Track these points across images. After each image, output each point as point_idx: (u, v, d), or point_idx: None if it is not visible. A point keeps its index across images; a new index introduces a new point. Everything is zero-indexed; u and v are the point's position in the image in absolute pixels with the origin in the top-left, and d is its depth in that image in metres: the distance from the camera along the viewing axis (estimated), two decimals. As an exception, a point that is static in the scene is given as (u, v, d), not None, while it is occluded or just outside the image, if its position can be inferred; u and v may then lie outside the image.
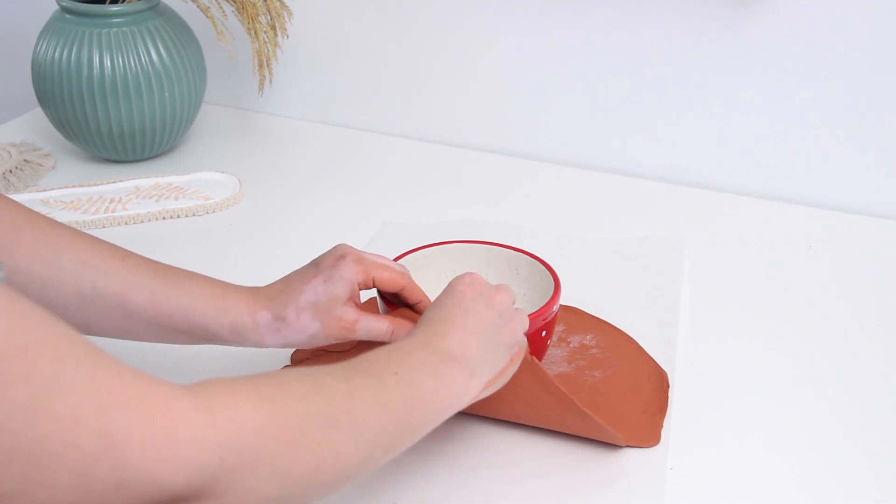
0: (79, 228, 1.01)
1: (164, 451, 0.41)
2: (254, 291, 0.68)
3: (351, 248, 0.69)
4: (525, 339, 0.66)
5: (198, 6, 1.15)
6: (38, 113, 1.31)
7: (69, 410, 0.38)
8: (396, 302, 0.71)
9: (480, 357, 0.60)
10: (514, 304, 0.67)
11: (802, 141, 1.13)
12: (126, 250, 0.67)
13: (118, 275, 0.65)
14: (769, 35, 1.09)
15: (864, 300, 0.94)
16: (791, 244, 1.04)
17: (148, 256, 0.69)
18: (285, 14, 1.16)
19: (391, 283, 0.68)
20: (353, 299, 0.68)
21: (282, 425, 0.46)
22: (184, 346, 0.71)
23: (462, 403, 0.59)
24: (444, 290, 0.64)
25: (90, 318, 0.65)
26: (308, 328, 0.67)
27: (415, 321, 0.67)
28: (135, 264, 0.66)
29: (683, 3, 1.11)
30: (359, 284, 0.67)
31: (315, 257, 0.70)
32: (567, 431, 0.72)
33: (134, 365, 0.43)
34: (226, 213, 1.08)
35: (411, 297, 0.69)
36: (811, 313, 0.91)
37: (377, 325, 0.67)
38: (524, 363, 0.67)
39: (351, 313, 0.67)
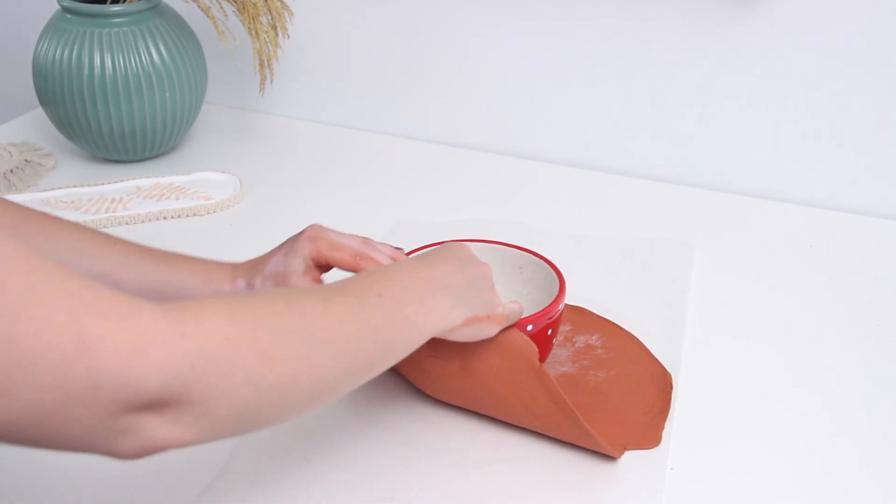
0: (80, 228, 1.02)
1: (135, 356, 0.43)
2: (234, 264, 0.75)
3: (317, 227, 0.73)
4: (509, 308, 0.69)
5: (198, 6, 1.15)
6: (39, 113, 1.31)
7: (43, 315, 0.41)
8: None
9: (465, 293, 0.64)
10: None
11: (806, 141, 1.13)
12: (118, 238, 0.73)
13: (110, 258, 0.70)
14: (771, 35, 1.09)
15: (867, 301, 0.94)
16: (796, 245, 1.04)
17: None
18: (286, 14, 1.16)
19: (343, 263, 0.72)
20: (310, 273, 0.72)
21: (253, 337, 0.49)
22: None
23: (443, 328, 0.63)
24: (437, 248, 0.69)
25: None
26: None
27: None
28: (125, 248, 0.72)
29: (687, 3, 1.11)
30: (312, 259, 0.72)
31: None
32: (564, 440, 0.72)
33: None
34: (227, 213, 1.08)
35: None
36: (815, 315, 0.91)
37: None
38: (532, 369, 0.67)
39: (307, 283, 0.72)
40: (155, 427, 0.45)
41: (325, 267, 0.73)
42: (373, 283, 0.59)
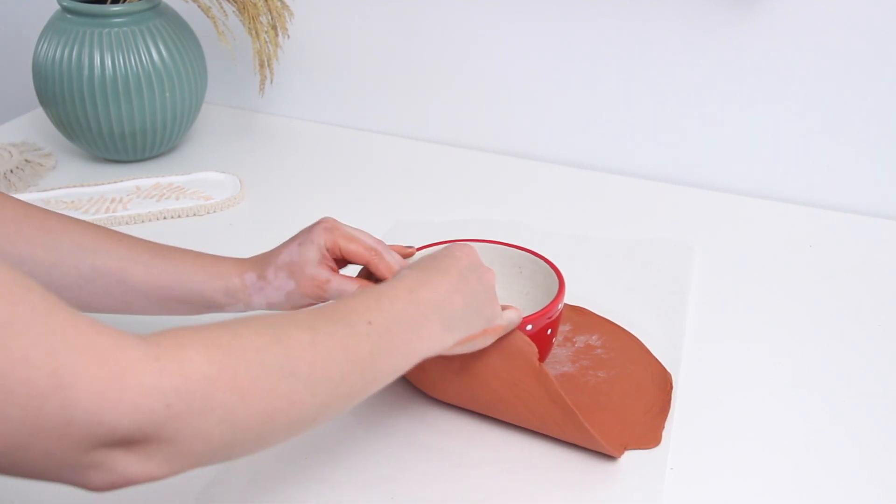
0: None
1: (110, 395, 0.43)
2: (242, 259, 0.74)
3: (332, 220, 0.73)
4: (507, 318, 0.68)
5: (199, 6, 1.15)
6: (39, 113, 1.31)
7: (20, 350, 0.41)
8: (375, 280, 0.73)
9: (460, 316, 0.63)
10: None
11: (806, 141, 1.13)
12: (123, 233, 0.72)
13: (116, 253, 0.70)
14: (771, 35, 1.09)
15: (867, 301, 0.94)
16: (796, 245, 1.04)
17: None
18: (286, 14, 1.16)
19: (356, 255, 0.72)
20: (325, 262, 0.72)
21: (233, 375, 0.48)
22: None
23: (434, 352, 0.62)
24: (442, 250, 0.67)
25: (93, 297, 0.70)
26: (284, 286, 0.72)
27: None
28: (131, 243, 0.71)
29: (687, 3, 1.11)
30: (328, 250, 0.72)
31: None
32: (564, 439, 0.72)
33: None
34: (226, 213, 1.08)
35: (377, 273, 0.72)
36: (815, 315, 0.91)
37: (347, 285, 0.71)
38: (532, 369, 0.67)
39: (323, 273, 0.71)
40: (126, 463, 0.45)
41: (339, 259, 0.73)
42: (365, 308, 0.58)
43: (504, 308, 0.69)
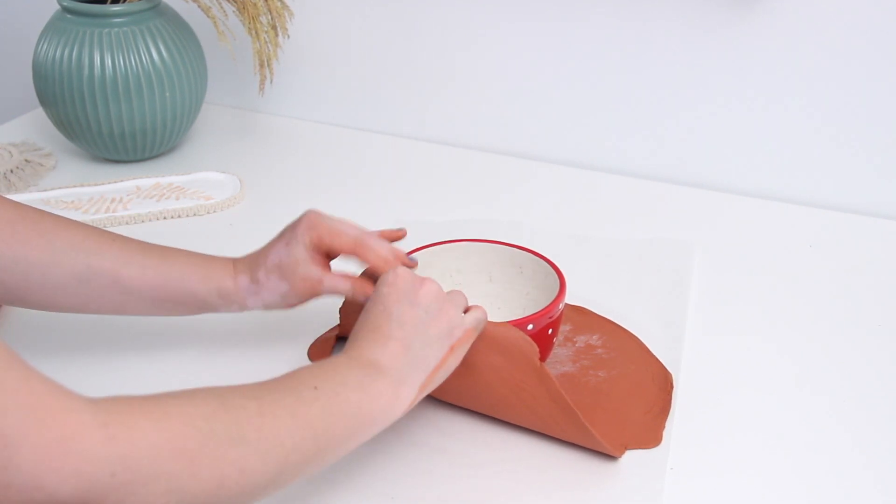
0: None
1: (53, 460, 0.42)
2: (234, 259, 0.74)
3: (315, 213, 0.72)
4: (473, 318, 0.67)
5: (199, 6, 1.15)
6: (39, 113, 1.31)
7: None
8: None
9: (409, 363, 0.61)
10: (467, 303, 0.68)
11: (806, 141, 1.13)
12: (117, 234, 0.72)
13: (110, 253, 0.70)
14: (771, 35, 1.09)
15: (867, 301, 0.94)
16: (796, 245, 1.04)
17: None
18: (286, 14, 1.16)
19: (343, 249, 0.71)
20: (315, 260, 0.71)
21: (181, 443, 0.47)
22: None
23: (395, 414, 0.61)
24: (372, 294, 0.66)
25: (88, 297, 0.70)
26: (278, 288, 0.72)
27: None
28: (125, 243, 0.71)
29: (687, 3, 1.11)
30: (314, 247, 0.71)
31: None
32: (565, 439, 0.72)
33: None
34: (227, 213, 1.08)
35: (366, 262, 0.71)
36: (815, 315, 0.91)
37: (341, 283, 0.71)
38: (533, 368, 0.67)
39: (315, 272, 0.71)
40: None
41: (328, 254, 0.72)
42: (310, 375, 0.58)
43: (466, 310, 0.67)
